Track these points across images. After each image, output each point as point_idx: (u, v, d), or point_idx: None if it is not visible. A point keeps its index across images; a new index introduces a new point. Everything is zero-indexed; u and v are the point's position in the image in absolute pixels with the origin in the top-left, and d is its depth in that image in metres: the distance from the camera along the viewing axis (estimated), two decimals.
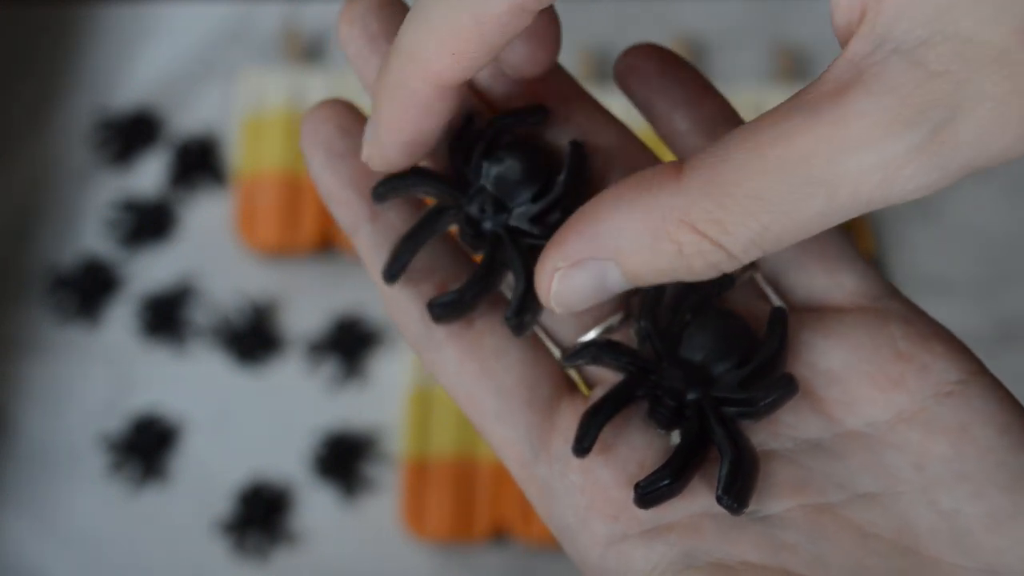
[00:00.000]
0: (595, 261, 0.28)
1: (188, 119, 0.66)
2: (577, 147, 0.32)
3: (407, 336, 0.33)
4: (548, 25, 0.31)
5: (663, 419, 0.30)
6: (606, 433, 0.30)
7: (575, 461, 0.30)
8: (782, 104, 0.26)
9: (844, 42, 0.26)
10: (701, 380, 0.31)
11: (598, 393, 0.32)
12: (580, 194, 0.32)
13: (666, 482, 0.29)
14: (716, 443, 0.30)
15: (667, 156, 0.34)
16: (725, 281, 0.32)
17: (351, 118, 0.33)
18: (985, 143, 0.25)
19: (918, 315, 0.31)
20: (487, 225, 0.32)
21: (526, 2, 0.27)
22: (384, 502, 0.59)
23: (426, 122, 0.30)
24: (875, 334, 0.30)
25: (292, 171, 0.63)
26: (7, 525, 0.59)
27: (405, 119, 0.30)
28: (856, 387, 0.30)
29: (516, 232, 0.32)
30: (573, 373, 0.33)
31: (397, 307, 0.32)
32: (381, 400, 0.61)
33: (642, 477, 0.29)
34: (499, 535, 0.58)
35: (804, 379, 0.30)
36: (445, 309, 0.31)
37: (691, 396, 0.30)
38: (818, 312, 0.31)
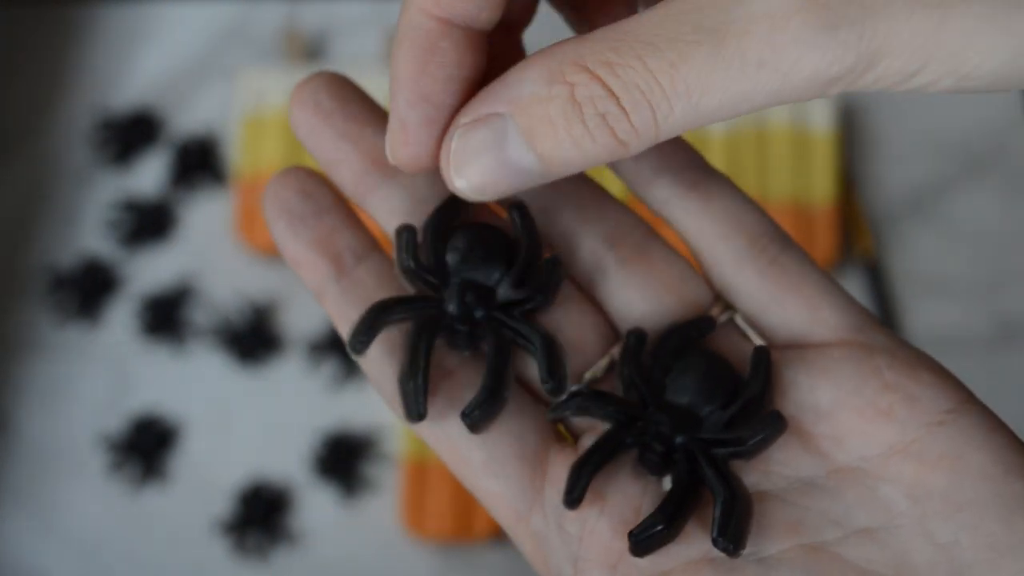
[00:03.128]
0: (493, 116, 0.27)
1: (188, 119, 0.66)
2: (519, 207, 0.32)
3: (387, 398, 0.32)
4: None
5: (653, 465, 0.30)
6: (599, 482, 0.30)
7: (570, 512, 0.30)
8: None
9: None
10: (688, 423, 0.31)
11: (587, 442, 0.31)
12: (540, 248, 0.32)
13: (660, 528, 0.29)
14: (708, 485, 0.29)
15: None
16: (706, 324, 0.32)
17: (312, 182, 0.33)
18: (897, 38, 0.24)
19: (902, 345, 0.31)
20: (479, 313, 0.32)
21: None
22: (384, 502, 0.59)
23: (436, 68, 0.28)
24: (860, 367, 0.30)
25: None
26: (7, 525, 0.59)
27: (414, 64, 0.28)
28: (845, 421, 0.29)
29: (500, 319, 0.32)
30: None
31: (375, 370, 0.32)
32: (381, 400, 0.61)
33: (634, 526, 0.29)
34: (499, 535, 0.57)
35: (793, 417, 0.30)
36: (482, 411, 0.31)
37: (679, 440, 0.30)
38: (801, 349, 0.31)
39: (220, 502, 0.59)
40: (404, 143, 0.29)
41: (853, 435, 0.29)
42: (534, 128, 0.27)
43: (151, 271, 0.63)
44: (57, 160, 0.66)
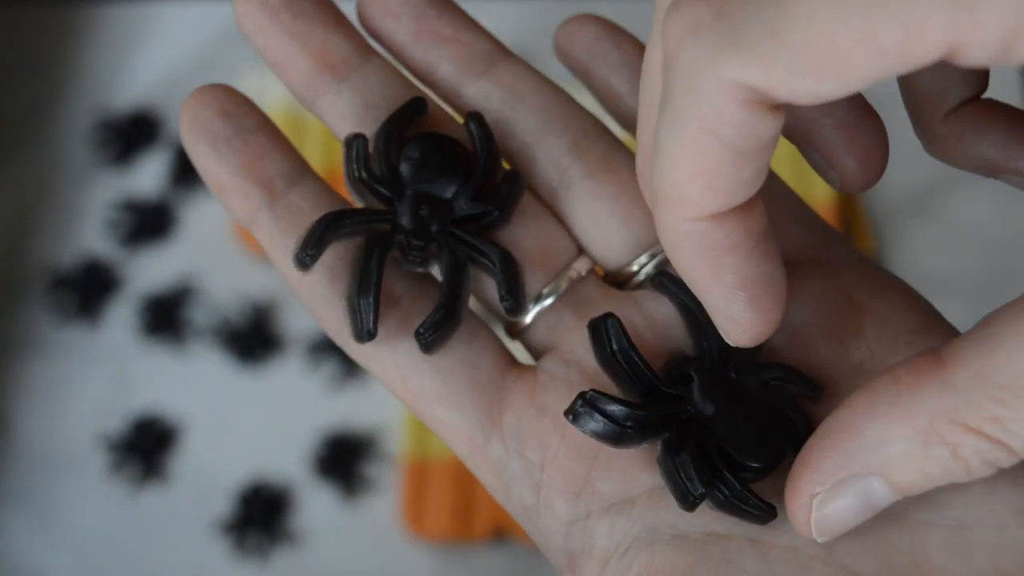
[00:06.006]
0: (857, 479, 0.25)
1: None
2: (476, 117, 0.31)
3: (328, 328, 0.31)
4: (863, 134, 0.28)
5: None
6: (558, 410, 0.29)
7: (531, 438, 0.29)
8: None
9: None
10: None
11: (546, 364, 0.30)
12: (498, 160, 0.31)
13: (628, 429, 0.27)
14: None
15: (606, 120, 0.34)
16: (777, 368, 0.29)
17: (234, 101, 0.31)
18: None
19: (870, 264, 0.30)
20: (435, 228, 0.30)
21: (757, 93, 0.22)
22: (384, 502, 0.59)
23: (727, 257, 0.26)
24: (827, 286, 0.29)
25: None
26: (7, 525, 0.59)
27: (705, 267, 0.26)
28: (815, 342, 0.29)
29: (456, 235, 0.30)
30: (519, 347, 0.31)
31: (315, 299, 0.30)
32: (381, 400, 0.61)
33: (598, 451, 0.28)
34: (499, 535, 0.57)
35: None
36: (438, 330, 0.29)
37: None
38: None
39: (220, 502, 0.59)
40: (743, 331, 0.27)
41: (823, 355, 0.29)
42: (908, 482, 0.25)
43: (151, 271, 0.63)
44: (57, 160, 0.66)
